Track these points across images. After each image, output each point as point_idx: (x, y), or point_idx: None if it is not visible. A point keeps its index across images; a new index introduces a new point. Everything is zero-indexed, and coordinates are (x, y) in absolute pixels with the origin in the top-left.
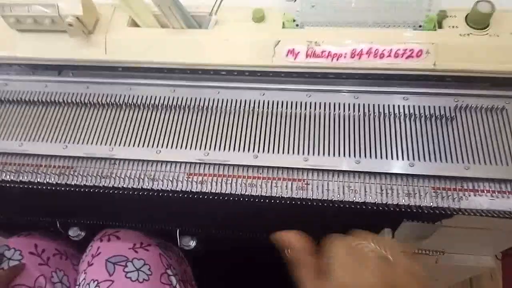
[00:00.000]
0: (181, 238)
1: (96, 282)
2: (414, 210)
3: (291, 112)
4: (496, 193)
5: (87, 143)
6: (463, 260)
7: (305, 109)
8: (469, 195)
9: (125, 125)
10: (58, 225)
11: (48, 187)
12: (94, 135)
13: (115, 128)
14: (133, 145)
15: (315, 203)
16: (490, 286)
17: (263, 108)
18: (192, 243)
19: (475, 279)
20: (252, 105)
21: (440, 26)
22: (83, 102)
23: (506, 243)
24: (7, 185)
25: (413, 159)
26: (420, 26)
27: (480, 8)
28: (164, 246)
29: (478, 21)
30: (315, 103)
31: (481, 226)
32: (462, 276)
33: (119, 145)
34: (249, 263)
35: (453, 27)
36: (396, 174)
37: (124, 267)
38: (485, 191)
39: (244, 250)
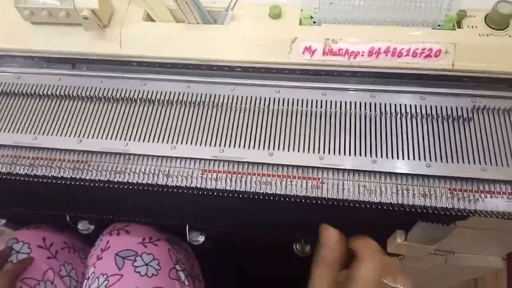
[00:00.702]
0: (190, 233)
1: (105, 276)
2: (430, 211)
3: (306, 110)
4: None
5: (101, 137)
6: (471, 260)
7: (321, 107)
8: (485, 197)
9: (140, 120)
10: (68, 218)
11: (62, 182)
12: (109, 129)
13: (129, 123)
14: (148, 141)
15: (330, 202)
16: (495, 285)
17: (278, 105)
18: (201, 239)
19: (480, 279)
20: (267, 102)
21: (459, 26)
22: (97, 97)
23: None
24: (21, 178)
25: (430, 159)
26: (439, 26)
27: (500, 8)
28: (172, 240)
29: (498, 22)
30: (331, 101)
31: (490, 227)
32: (468, 276)
33: (134, 140)
34: (256, 260)
35: (472, 27)
36: (412, 175)
37: (133, 261)
38: (501, 193)
39: (253, 247)
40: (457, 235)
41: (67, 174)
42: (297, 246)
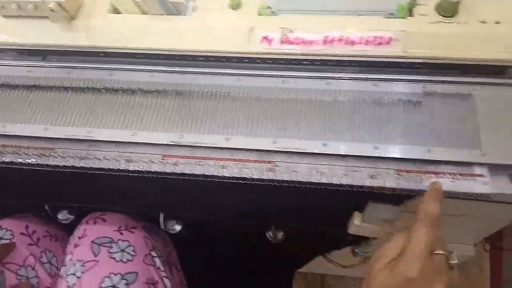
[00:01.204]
0: (167, 222)
1: (81, 262)
2: (376, 191)
3: (264, 97)
4: (457, 175)
5: (67, 125)
6: None
7: (279, 94)
8: (431, 177)
9: (104, 109)
10: (47, 207)
11: (29, 167)
12: (74, 118)
13: (94, 111)
14: (111, 128)
15: (282, 184)
16: (479, 278)
17: (237, 93)
18: (177, 227)
19: (464, 271)
20: (227, 90)
21: (411, 14)
22: (64, 87)
23: (484, 232)
24: None
25: (378, 142)
26: (391, 14)
27: None
28: (149, 228)
29: (447, 9)
30: (289, 88)
31: (457, 213)
32: None
33: (98, 127)
34: (235, 248)
35: (423, 15)
36: (361, 157)
37: (109, 248)
38: (446, 174)
39: (231, 235)
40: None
41: (33, 160)
42: (270, 233)
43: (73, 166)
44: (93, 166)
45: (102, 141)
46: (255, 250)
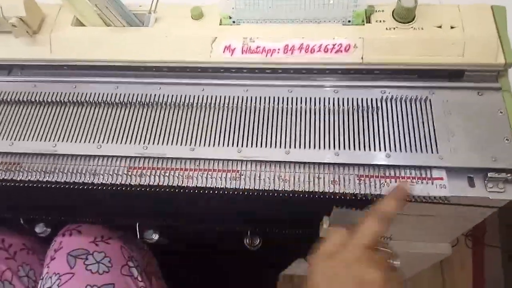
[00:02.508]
0: (144, 232)
1: (57, 275)
2: (338, 197)
3: (228, 106)
4: (416, 179)
5: (32, 139)
6: (419, 247)
7: (242, 103)
8: (390, 182)
9: (69, 122)
10: (21, 221)
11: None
12: (39, 132)
13: (58, 125)
14: (75, 141)
15: (247, 193)
16: (461, 273)
17: (202, 102)
18: (155, 236)
19: (446, 267)
20: (192, 100)
21: (368, 21)
22: (29, 101)
23: (458, 230)
24: None
25: (339, 148)
26: (349, 21)
27: (404, 3)
28: (126, 239)
29: (403, 15)
30: (252, 97)
31: (429, 213)
32: (425, 263)
33: (62, 141)
34: (216, 255)
35: (380, 21)
36: (324, 163)
37: (85, 260)
38: (405, 178)
39: (210, 242)
40: (394, 222)
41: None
42: (247, 240)
43: (38, 180)
44: (58, 180)
45: (68, 154)
46: (236, 256)
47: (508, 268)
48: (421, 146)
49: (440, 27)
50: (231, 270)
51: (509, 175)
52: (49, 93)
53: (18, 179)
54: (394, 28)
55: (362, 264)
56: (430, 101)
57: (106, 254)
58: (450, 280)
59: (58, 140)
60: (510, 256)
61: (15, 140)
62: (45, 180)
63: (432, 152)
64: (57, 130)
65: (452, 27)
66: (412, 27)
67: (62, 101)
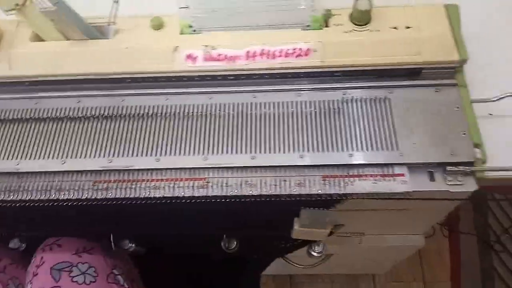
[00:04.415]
0: (119, 241)
1: None
2: (304, 199)
3: (192, 114)
4: (378, 176)
5: None
6: (392, 240)
7: (206, 110)
8: (354, 181)
9: (32, 139)
10: None
11: None
12: (1, 150)
13: (21, 142)
14: (38, 158)
15: (215, 200)
16: (439, 261)
17: (166, 112)
18: (131, 246)
19: (424, 256)
20: (156, 110)
21: (327, 25)
22: None
23: (429, 222)
24: None
25: (303, 151)
26: (308, 26)
27: (359, 6)
28: (107, 248)
29: (360, 18)
30: (216, 104)
31: (399, 207)
32: (400, 256)
33: (25, 158)
34: (195, 260)
35: (338, 25)
36: (289, 166)
37: (70, 272)
38: (368, 176)
39: (187, 248)
40: (362, 217)
41: None
42: (224, 243)
43: (2, 200)
44: (23, 198)
45: (31, 172)
46: (216, 260)
47: (483, 254)
48: (382, 144)
49: (395, 28)
50: (211, 274)
51: (467, 168)
52: (10, 110)
53: None
54: (351, 31)
55: None
56: (389, 100)
57: (90, 264)
58: (428, 268)
59: (21, 158)
60: (485, 242)
61: None
62: (9, 199)
63: (393, 150)
64: (19, 148)
65: (407, 27)
66: (368, 29)
67: (24, 118)
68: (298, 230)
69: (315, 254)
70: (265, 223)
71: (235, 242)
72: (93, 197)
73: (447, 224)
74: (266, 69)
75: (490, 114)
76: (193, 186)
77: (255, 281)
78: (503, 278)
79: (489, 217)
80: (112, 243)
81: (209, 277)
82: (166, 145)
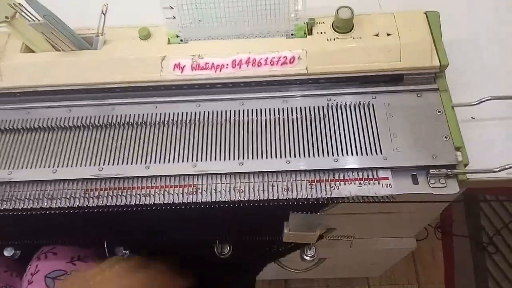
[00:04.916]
0: (113, 249)
1: None
2: (292, 203)
3: (181, 122)
4: (364, 180)
5: None
6: (384, 243)
7: (195, 118)
8: (340, 185)
9: (23, 149)
10: None
11: None
12: None
13: (13, 152)
14: (30, 167)
15: (205, 206)
16: (433, 264)
17: (155, 120)
18: (125, 253)
19: (418, 258)
20: (145, 118)
21: (310, 33)
22: None
23: (419, 224)
24: None
25: (290, 156)
26: (292, 35)
27: (341, 14)
28: (103, 254)
29: (342, 26)
30: (204, 112)
31: (390, 211)
32: (393, 259)
33: (17, 168)
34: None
35: (321, 33)
36: (276, 172)
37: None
38: (353, 180)
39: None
40: (354, 221)
41: None
42: (217, 249)
43: None
44: (16, 207)
45: (23, 181)
46: (210, 264)
47: (477, 255)
48: (366, 149)
49: (377, 35)
50: (205, 278)
51: (449, 170)
52: (2, 121)
53: None
54: (334, 39)
55: None
56: (372, 105)
57: None
58: (422, 270)
59: (13, 168)
60: (478, 243)
61: None
62: (2, 208)
63: (377, 154)
64: (11, 158)
65: (388, 34)
66: (351, 37)
67: (15, 128)
68: (288, 234)
69: (307, 258)
70: (256, 228)
71: (228, 247)
72: (84, 205)
73: (440, 227)
74: (252, 76)
75: (473, 118)
76: (182, 193)
77: (250, 285)
78: (497, 279)
79: (482, 219)
80: (106, 251)
81: (203, 281)
82: (156, 152)
